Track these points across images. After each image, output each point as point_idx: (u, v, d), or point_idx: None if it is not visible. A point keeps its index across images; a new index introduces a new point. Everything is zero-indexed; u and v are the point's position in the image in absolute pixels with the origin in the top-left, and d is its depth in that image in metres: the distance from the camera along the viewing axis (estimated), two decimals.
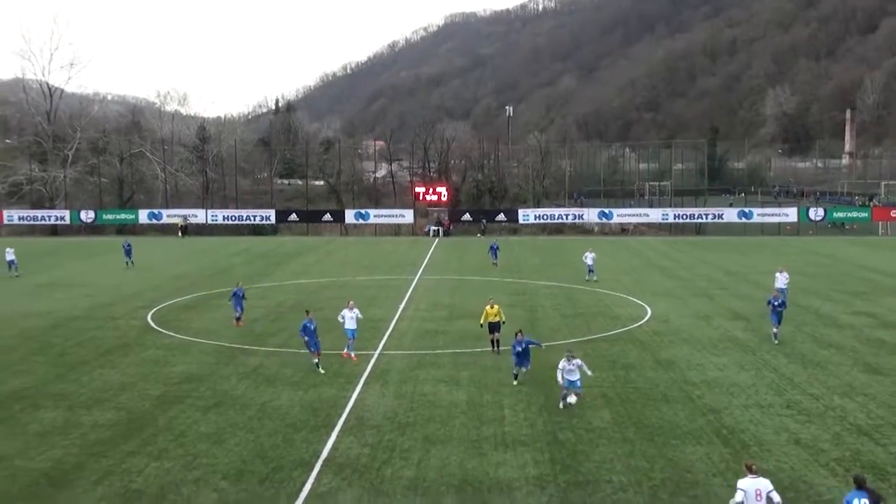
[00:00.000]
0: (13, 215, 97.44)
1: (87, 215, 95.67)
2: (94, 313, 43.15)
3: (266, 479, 20.35)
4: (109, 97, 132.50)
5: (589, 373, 25.85)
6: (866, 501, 14.63)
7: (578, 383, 25.17)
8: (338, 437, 23.33)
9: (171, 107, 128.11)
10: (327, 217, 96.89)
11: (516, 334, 28.55)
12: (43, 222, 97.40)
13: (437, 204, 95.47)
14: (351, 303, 33.38)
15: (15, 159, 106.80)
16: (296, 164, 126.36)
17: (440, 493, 19.32)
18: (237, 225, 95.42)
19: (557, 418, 24.65)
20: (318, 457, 21.75)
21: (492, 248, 61.78)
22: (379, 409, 25.91)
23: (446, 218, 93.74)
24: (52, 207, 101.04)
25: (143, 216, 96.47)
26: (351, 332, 32.31)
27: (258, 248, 77.87)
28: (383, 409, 25.89)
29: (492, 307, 33.91)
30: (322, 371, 29.94)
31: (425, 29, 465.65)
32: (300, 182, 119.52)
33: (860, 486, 15.21)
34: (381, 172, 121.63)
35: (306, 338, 30.39)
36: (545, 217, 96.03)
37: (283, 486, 19.84)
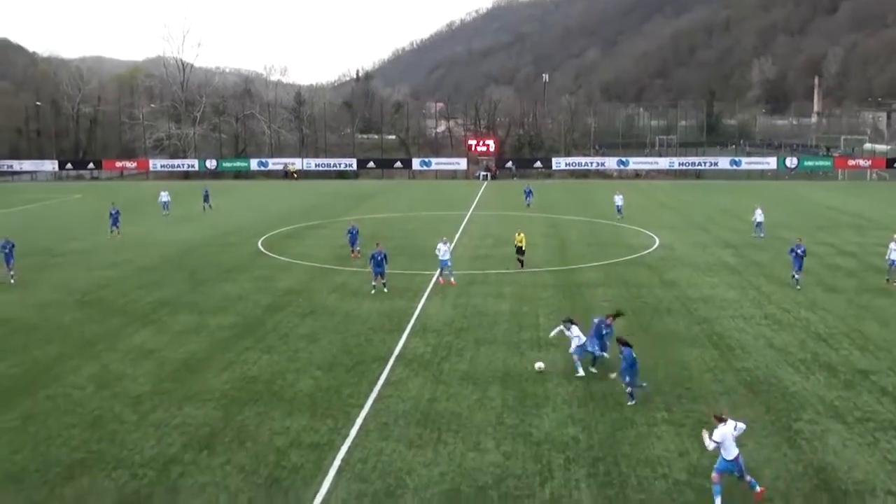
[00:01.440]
0: (157, 163, 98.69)
1: (210, 163, 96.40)
2: (217, 240, 43.82)
3: (351, 370, 20.80)
4: (227, 70, 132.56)
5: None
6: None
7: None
8: (407, 338, 23.69)
9: (274, 77, 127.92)
10: (398, 164, 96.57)
11: (607, 318, 20.82)
12: (178, 169, 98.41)
13: (486, 154, 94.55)
14: (444, 238, 32.57)
15: (157, 120, 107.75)
16: (373, 122, 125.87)
17: (487, 383, 19.60)
18: (326, 171, 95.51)
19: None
20: (392, 353, 22.14)
21: (526, 191, 60.08)
22: (439, 316, 26.20)
23: (493, 165, 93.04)
24: (185, 157, 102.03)
25: (253, 164, 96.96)
26: (444, 262, 31.31)
27: (343, 189, 78.17)
28: (442, 317, 26.18)
29: (518, 234, 34.45)
30: (373, 292, 29.47)
31: (477, 11, 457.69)
32: (376, 136, 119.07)
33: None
34: (441, 128, 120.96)
35: (372, 263, 29.88)
36: (574, 165, 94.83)
37: (365, 376, 20.27)
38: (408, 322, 25.48)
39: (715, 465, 13.77)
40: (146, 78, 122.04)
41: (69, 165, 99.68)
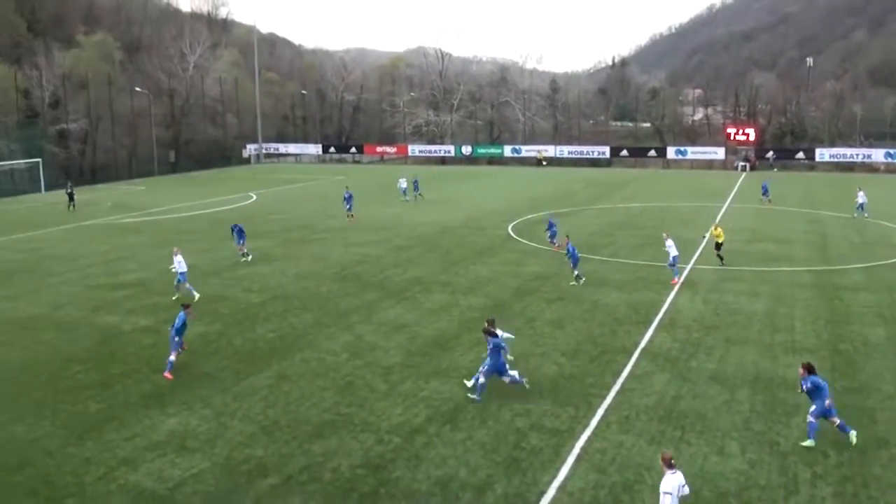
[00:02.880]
0: (415, 149, 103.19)
1: (466, 149, 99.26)
2: (469, 223, 45.12)
3: (595, 360, 20.66)
4: (483, 59, 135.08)
5: None
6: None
7: None
8: (654, 332, 23.13)
9: (530, 65, 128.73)
10: (652, 153, 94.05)
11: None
12: (435, 154, 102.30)
13: (745, 143, 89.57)
14: (664, 234, 31.19)
15: (416, 107, 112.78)
16: (627, 109, 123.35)
17: (735, 385, 18.69)
18: (578, 158, 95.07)
19: (839, 332, 22.93)
20: (637, 346, 21.73)
21: (763, 186, 54.95)
22: (689, 312, 25.34)
23: (752, 155, 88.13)
24: (442, 143, 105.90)
25: (507, 150, 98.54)
26: (672, 259, 29.80)
27: (595, 177, 77.51)
28: (692, 312, 25.29)
29: (716, 229, 32.90)
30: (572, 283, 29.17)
31: None
32: (630, 124, 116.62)
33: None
34: (698, 116, 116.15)
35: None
36: (838, 156, 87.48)
37: (608, 367, 20.06)
38: (655, 315, 24.87)
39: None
40: (406, 67, 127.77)
41: (332, 149, 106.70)
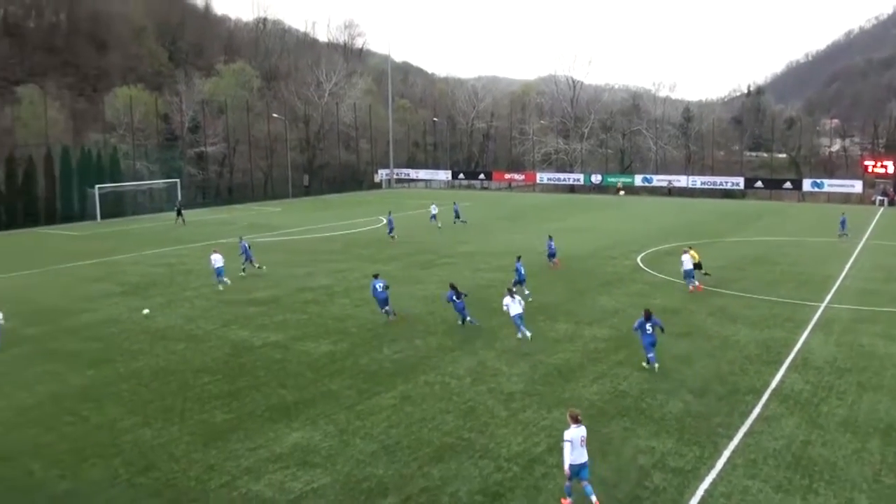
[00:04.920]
0: (543, 177, 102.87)
1: (595, 178, 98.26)
2: (597, 253, 44.48)
3: (723, 399, 19.91)
4: (616, 86, 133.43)
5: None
6: None
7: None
8: (784, 372, 22.09)
9: (662, 93, 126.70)
10: (787, 185, 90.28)
11: None
12: (563, 182, 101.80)
13: (884, 176, 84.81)
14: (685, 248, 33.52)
15: (546, 135, 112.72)
16: (762, 139, 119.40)
17: (868, 434, 17.57)
18: (711, 189, 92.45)
19: None
20: (767, 386, 20.80)
21: (841, 220, 51.56)
22: (821, 353, 24.08)
23: (892, 189, 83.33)
24: (571, 171, 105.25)
25: (637, 180, 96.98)
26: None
27: (727, 208, 74.98)
28: (825, 353, 24.02)
29: (691, 249, 34.01)
30: None
31: (877, 17, 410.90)
32: (765, 154, 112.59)
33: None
34: (835, 147, 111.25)
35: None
36: None
37: (736, 407, 19.27)
38: (787, 355, 23.77)
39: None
40: (537, 95, 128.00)
41: (461, 175, 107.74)
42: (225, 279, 34.88)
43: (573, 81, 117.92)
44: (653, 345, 22.27)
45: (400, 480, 15.30)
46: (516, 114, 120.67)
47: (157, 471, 15.98)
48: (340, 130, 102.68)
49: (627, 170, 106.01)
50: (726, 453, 16.49)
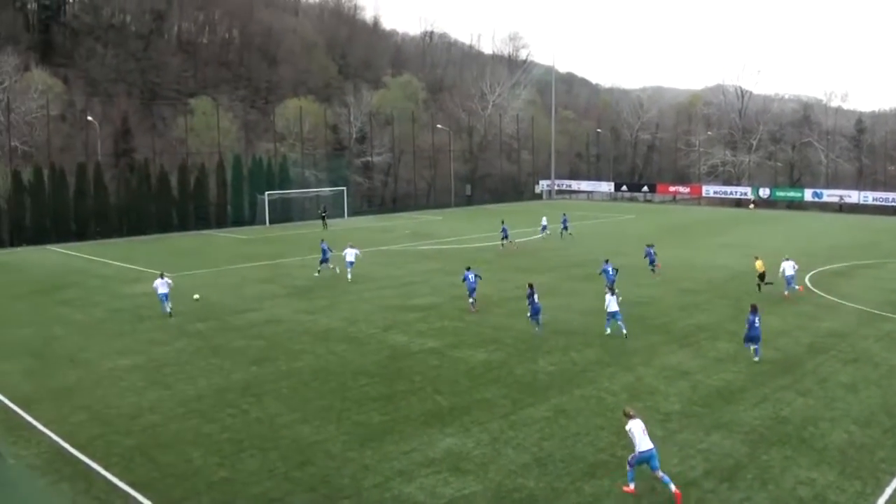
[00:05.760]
0: (709, 190, 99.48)
1: (763, 192, 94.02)
2: (766, 270, 42.50)
3: (889, 431, 18.59)
4: (786, 96, 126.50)
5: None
6: None
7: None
8: None
9: (834, 103, 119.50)
10: None
11: None
12: (730, 196, 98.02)
13: None
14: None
15: (713, 147, 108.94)
16: None
17: None
18: (884, 206, 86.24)
19: None
20: None
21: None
22: None
23: None
24: (738, 184, 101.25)
25: (807, 194, 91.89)
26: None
27: None
28: None
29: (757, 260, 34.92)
30: None
31: None
32: None
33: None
34: None
35: None
36: None
37: None
38: None
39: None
40: (704, 106, 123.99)
41: (624, 187, 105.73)
42: (348, 271, 39.49)
43: (741, 91, 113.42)
44: (758, 339, 24.12)
45: (551, 494, 15.27)
46: (682, 125, 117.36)
47: (313, 466, 16.68)
48: (503, 141, 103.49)
49: (797, 183, 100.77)
50: (888, 490, 15.44)
